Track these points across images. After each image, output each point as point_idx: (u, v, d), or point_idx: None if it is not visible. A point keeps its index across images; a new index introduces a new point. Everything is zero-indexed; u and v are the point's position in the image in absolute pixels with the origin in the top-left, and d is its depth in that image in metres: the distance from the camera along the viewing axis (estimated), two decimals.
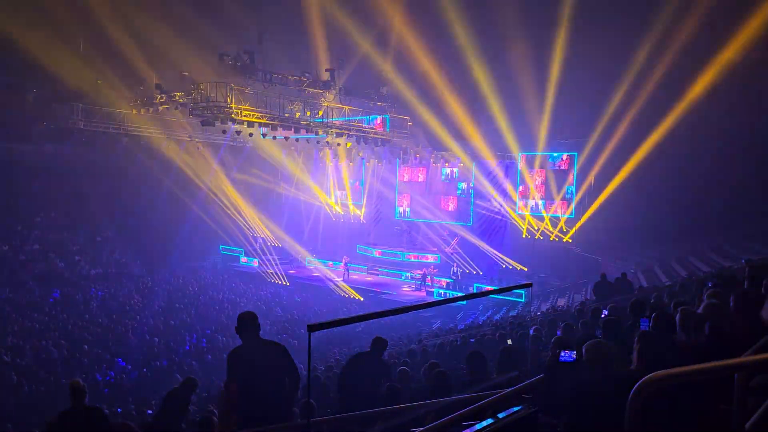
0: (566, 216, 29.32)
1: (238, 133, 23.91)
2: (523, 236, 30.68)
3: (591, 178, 27.79)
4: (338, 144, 29.19)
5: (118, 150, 30.08)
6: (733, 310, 4.85)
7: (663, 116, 22.48)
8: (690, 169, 22.20)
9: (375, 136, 27.84)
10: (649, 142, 23.31)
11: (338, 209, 39.54)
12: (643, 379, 2.10)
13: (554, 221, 29.76)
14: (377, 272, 32.89)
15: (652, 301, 9.05)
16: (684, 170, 22.43)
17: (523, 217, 30.93)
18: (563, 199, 29.46)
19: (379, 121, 28.75)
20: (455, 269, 30.11)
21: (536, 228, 30.36)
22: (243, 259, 36.81)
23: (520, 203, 31.12)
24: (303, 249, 36.64)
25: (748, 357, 2.62)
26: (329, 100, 26.38)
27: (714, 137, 21.19)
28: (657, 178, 23.41)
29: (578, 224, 28.60)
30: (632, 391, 2.10)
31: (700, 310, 4.69)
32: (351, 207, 39.03)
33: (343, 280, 31.16)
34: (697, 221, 21.99)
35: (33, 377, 15.06)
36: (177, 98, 24.81)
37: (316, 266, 34.59)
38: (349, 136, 27.13)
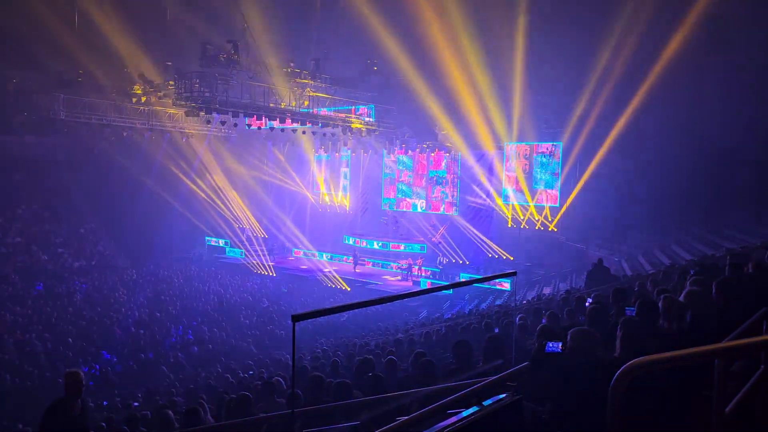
0: (551, 205, 29.47)
1: (223, 123, 23.72)
2: (509, 225, 30.81)
3: (576, 167, 27.93)
4: (324, 134, 29.09)
5: (100, 141, 29.69)
6: (714, 297, 4.92)
7: (650, 107, 22.61)
8: (672, 159, 22.37)
9: (360, 125, 27.76)
10: (635, 132, 23.44)
11: (324, 200, 39.47)
12: (626, 365, 2.12)
13: (539, 210, 29.91)
14: (363, 262, 32.93)
15: (636, 289, 9.14)
16: (667, 160, 22.60)
17: (508, 207, 31.05)
18: (548, 188, 29.61)
19: (364, 112, 28.67)
20: (441, 259, 30.20)
21: (521, 217, 30.50)
22: (229, 251, 36.65)
23: (505, 192, 31.22)
24: (289, 240, 36.60)
25: (728, 342, 2.65)
26: (315, 89, 26.22)
27: (696, 126, 21.37)
28: (640, 167, 23.59)
29: (561, 210, 28.78)
30: (615, 377, 2.12)
31: (681, 298, 4.75)
32: (336, 197, 38.98)
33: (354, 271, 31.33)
34: (680, 210, 22.21)
35: (17, 371, 14.92)
36: (161, 88, 24.55)
37: (301, 257, 34.61)
38: (335, 125, 27.03)
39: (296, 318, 2.13)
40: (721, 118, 20.91)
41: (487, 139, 30.06)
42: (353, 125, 27.46)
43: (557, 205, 29.23)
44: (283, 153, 38.21)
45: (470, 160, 32.03)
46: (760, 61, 19.19)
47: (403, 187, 35.88)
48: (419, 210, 34.86)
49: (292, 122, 25.51)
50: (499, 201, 31.29)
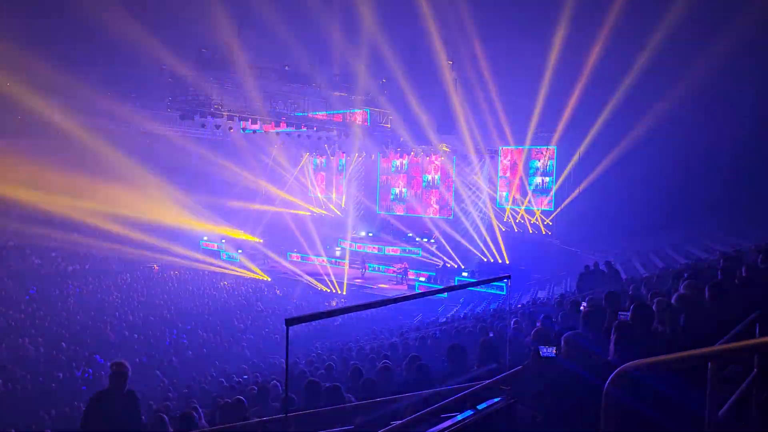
0: (546, 209, 29.54)
1: (218, 127, 23.69)
2: (503, 229, 30.84)
3: (570, 170, 28.02)
4: (319, 137, 29.07)
5: (94, 144, 29.54)
6: (707, 300, 4.94)
7: (643, 110, 22.69)
8: (667, 163, 22.46)
9: (356, 129, 27.77)
10: (627, 135, 23.52)
11: (319, 203, 39.44)
12: (619, 368, 2.13)
13: (534, 214, 29.97)
14: (358, 266, 32.84)
15: (630, 292, 9.16)
16: (661, 164, 22.69)
17: (503, 210, 31.11)
18: (543, 191, 29.68)
19: (359, 116, 28.68)
20: (437, 263, 30.18)
21: (516, 221, 30.55)
22: (223, 254, 36.51)
23: (500, 196, 31.29)
24: (283, 243, 36.50)
25: (721, 346, 2.66)
26: (310, 93, 26.24)
27: (691, 131, 21.46)
28: (635, 171, 23.64)
29: (554, 214, 28.86)
30: (608, 380, 2.12)
31: (675, 301, 4.76)
32: (331, 201, 38.97)
33: (361, 276, 31.22)
34: (674, 214, 22.29)
35: (10, 375, 14.82)
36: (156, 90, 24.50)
37: (296, 260, 34.50)
38: (330, 129, 27.02)
39: (290, 322, 2.12)
40: (714, 123, 21.02)
41: (483, 143, 30.14)
42: (348, 129, 27.47)
43: (551, 208, 29.31)
44: (278, 156, 38.15)
45: (464, 163, 32.08)
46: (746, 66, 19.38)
47: (398, 191, 35.88)
48: (414, 214, 34.86)
49: (287, 125, 25.50)
50: (493, 204, 31.36)
